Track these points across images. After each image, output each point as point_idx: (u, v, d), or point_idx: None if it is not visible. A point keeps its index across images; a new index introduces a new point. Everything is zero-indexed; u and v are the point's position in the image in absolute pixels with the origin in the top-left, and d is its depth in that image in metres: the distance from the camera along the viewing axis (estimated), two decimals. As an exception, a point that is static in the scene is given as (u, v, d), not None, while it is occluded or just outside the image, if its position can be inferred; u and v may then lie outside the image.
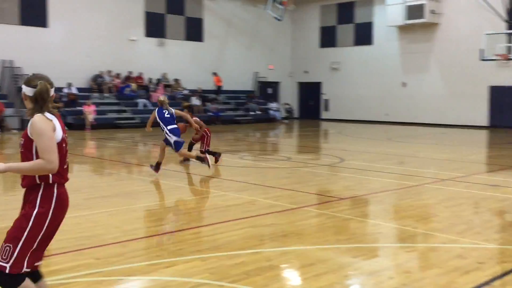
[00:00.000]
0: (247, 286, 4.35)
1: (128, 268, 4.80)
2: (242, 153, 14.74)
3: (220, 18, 29.30)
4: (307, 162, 12.61)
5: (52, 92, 3.28)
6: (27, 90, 3.24)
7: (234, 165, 12.06)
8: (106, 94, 24.27)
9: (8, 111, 20.77)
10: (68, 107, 22.06)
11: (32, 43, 22.57)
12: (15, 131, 19.85)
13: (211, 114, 26.22)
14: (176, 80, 27.17)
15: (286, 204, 7.68)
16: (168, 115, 10.33)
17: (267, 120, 28.56)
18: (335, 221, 6.73)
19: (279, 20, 28.43)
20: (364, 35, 29.45)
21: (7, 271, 3.12)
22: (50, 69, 22.58)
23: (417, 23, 26.23)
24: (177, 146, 10.22)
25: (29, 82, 3.26)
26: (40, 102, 3.20)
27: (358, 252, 5.40)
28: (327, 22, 31.16)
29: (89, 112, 21.89)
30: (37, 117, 3.14)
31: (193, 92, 26.82)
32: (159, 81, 26.52)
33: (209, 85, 28.11)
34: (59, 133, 3.22)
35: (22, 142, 3.23)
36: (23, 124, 21.04)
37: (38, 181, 3.18)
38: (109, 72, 24.88)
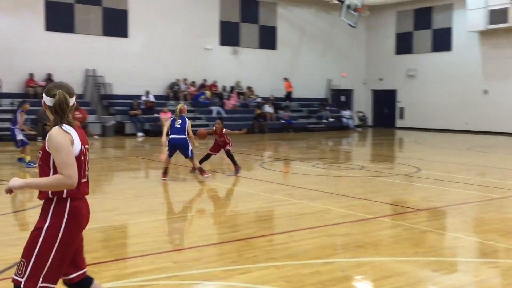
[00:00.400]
0: (322, 296, 4.29)
1: (205, 273, 4.88)
2: (314, 161, 14.64)
3: (293, 26, 29.37)
4: (381, 171, 12.34)
5: (72, 101, 3.16)
6: (47, 100, 3.13)
7: (307, 173, 11.99)
8: (181, 102, 24.93)
9: (91, 118, 21.80)
10: (146, 114, 22.85)
11: (114, 53, 23.61)
12: (97, 137, 20.77)
13: (283, 121, 26.28)
14: (249, 88, 27.47)
15: (361, 213, 7.54)
16: (179, 126, 10.46)
17: (340, 128, 28.24)
18: (412, 233, 6.53)
19: (353, 27, 28.09)
20: (442, 41, 28.51)
21: (22, 286, 3.03)
22: (129, 77, 23.65)
23: (501, 28, 25.05)
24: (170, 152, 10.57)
25: (49, 91, 3.14)
26: (60, 113, 3.09)
27: (438, 266, 5.20)
28: (403, 28, 30.44)
29: (165, 119, 22.55)
30: (55, 130, 3.05)
31: (266, 100, 27.01)
32: (232, 88, 26.94)
33: (282, 92, 28.19)
34: (77, 146, 3.11)
35: (40, 155, 3.13)
36: (105, 131, 22.02)
37: (50, 195, 3.08)
38: (185, 80, 25.56)
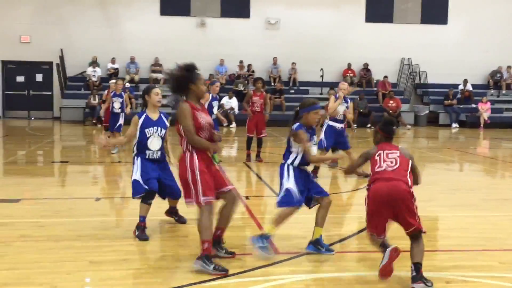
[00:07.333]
0: None
1: None
2: None
3: None
4: None
5: None
6: None
7: None
8: (503, 91, 22.90)
9: (404, 107, 21.87)
10: (462, 104, 21.77)
11: (430, 41, 23.09)
12: (409, 126, 20.68)
13: None
14: None
15: None
16: None
17: None
18: None
19: None
20: None
21: None
22: (445, 66, 22.81)
23: None
24: None
25: None
26: None
27: None
28: None
29: (484, 109, 21.07)
30: None
31: None
32: None
33: None
34: None
35: None
36: (417, 120, 21.79)
37: None
38: (509, 67, 23.34)
